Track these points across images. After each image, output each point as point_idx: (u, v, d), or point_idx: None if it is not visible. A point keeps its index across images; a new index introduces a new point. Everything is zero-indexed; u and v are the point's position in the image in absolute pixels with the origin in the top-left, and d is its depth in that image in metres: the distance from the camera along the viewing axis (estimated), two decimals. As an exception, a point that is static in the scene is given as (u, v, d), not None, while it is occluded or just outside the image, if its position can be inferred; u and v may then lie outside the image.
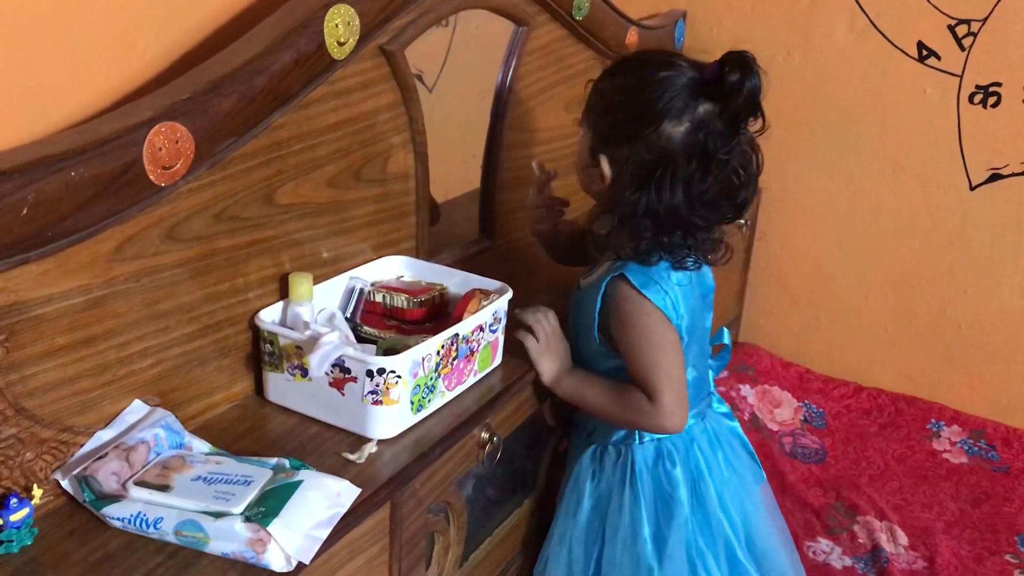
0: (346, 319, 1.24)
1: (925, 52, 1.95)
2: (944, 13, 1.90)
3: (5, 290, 0.85)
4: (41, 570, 0.86)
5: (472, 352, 1.19)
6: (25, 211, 0.82)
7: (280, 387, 1.14)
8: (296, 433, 1.10)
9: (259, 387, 1.17)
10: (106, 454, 0.95)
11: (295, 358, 1.10)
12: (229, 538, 0.88)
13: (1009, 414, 2.05)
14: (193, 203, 1.02)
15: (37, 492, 0.91)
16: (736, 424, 1.39)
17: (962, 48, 1.91)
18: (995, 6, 1.85)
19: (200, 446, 1.03)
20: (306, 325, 1.13)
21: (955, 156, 1.98)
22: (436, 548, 1.19)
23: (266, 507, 0.89)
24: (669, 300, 1.18)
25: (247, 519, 0.88)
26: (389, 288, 1.29)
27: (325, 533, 0.92)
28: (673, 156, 1.13)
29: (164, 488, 0.91)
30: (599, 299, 1.22)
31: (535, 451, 1.41)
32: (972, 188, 1.98)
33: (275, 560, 0.87)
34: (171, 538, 0.89)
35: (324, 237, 1.24)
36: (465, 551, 1.25)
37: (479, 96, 1.57)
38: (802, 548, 1.68)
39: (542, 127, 1.68)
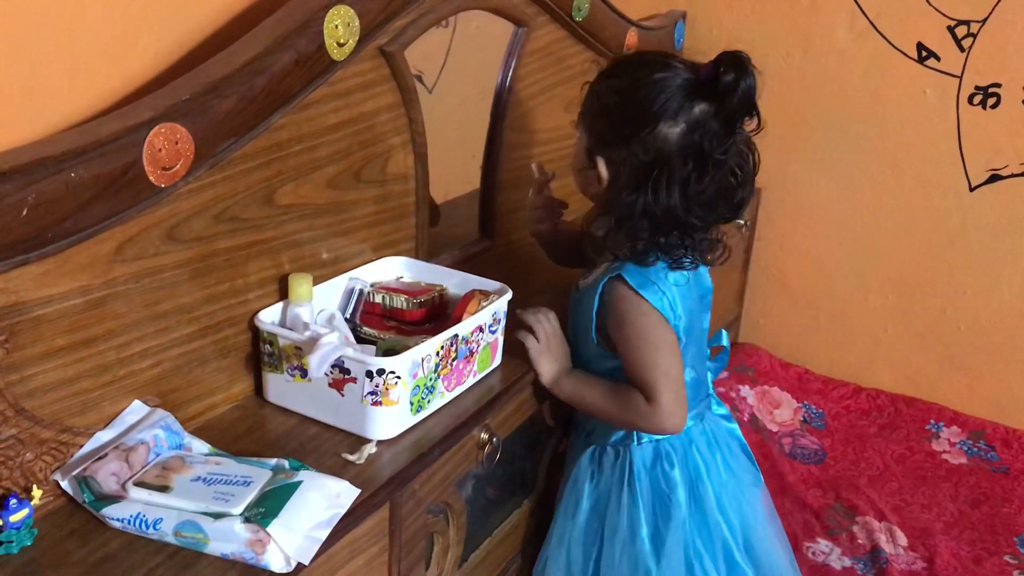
0: (346, 320, 1.24)
1: (925, 53, 1.95)
2: (944, 14, 1.90)
3: (5, 291, 0.86)
4: (41, 570, 0.86)
5: (471, 353, 1.19)
6: (25, 212, 0.82)
7: (280, 388, 1.14)
8: (296, 434, 1.10)
9: (259, 388, 1.17)
10: (106, 455, 0.95)
11: (295, 359, 1.10)
12: (228, 539, 0.88)
13: (1008, 415, 2.05)
14: (193, 204, 1.02)
15: (37, 493, 0.91)
16: (735, 426, 1.39)
17: (961, 49, 1.91)
18: (994, 7, 1.85)
19: (200, 447, 1.03)
20: (306, 326, 1.13)
21: (955, 157, 1.98)
22: (435, 549, 1.19)
23: (265, 508, 0.90)
24: (666, 300, 1.18)
25: (246, 520, 0.88)
26: (389, 289, 1.29)
27: (324, 534, 0.92)
28: (669, 157, 1.13)
29: (164, 489, 0.91)
30: (597, 300, 1.22)
31: (534, 452, 1.41)
32: (972, 189, 1.98)
33: (274, 561, 0.87)
34: (170, 539, 0.89)
35: (324, 238, 1.24)
36: (464, 552, 1.25)
37: (479, 97, 1.57)
38: (801, 549, 1.68)
39: (542, 128, 1.68)
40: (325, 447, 1.07)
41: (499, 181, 1.59)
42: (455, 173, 1.64)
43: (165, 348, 1.04)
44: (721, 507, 1.29)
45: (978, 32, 1.88)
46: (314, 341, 1.06)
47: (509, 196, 1.62)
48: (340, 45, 1.13)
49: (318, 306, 1.20)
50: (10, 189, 0.81)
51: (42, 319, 0.90)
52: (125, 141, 0.90)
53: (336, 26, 1.11)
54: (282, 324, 1.15)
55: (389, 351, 1.10)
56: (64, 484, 0.94)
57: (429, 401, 1.13)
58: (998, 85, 1.90)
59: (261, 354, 1.14)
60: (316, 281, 1.19)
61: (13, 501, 0.87)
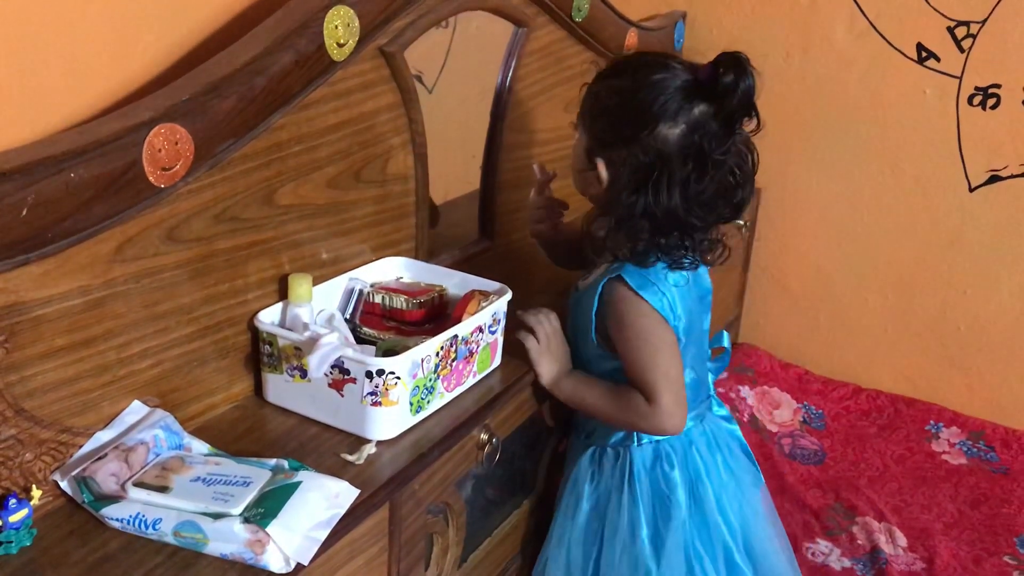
0: (345, 320, 1.24)
1: (924, 53, 1.95)
2: (943, 15, 1.90)
3: (5, 291, 0.86)
4: (40, 571, 0.86)
5: (471, 353, 1.19)
6: (25, 212, 0.82)
7: (279, 388, 1.14)
8: (295, 434, 1.10)
9: (258, 388, 1.17)
10: (105, 455, 0.95)
11: (294, 359, 1.10)
12: (228, 539, 0.88)
13: (1008, 415, 2.05)
14: (193, 204, 1.02)
15: (36, 493, 0.91)
16: (735, 427, 1.39)
17: (961, 50, 1.91)
18: (994, 8, 1.85)
19: (199, 447, 1.03)
20: (305, 326, 1.13)
21: (954, 157, 1.98)
22: (435, 549, 1.19)
23: (265, 508, 0.90)
24: (666, 301, 1.18)
25: (246, 520, 0.88)
26: (388, 289, 1.29)
27: (324, 534, 0.92)
28: (669, 158, 1.13)
29: (163, 489, 0.91)
30: (596, 300, 1.22)
31: (534, 452, 1.41)
32: (971, 189, 1.98)
33: (274, 561, 0.87)
34: (170, 539, 0.89)
35: (324, 238, 1.24)
36: (464, 552, 1.25)
37: (479, 97, 1.57)
38: (801, 549, 1.68)
39: (542, 128, 1.68)
40: (325, 447, 1.07)
41: (499, 181, 1.59)
42: (455, 173, 1.64)
43: (165, 348, 1.04)
44: (721, 508, 1.29)
45: (978, 33, 1.88)
46: (314, 341, 1.06)
47: (509, 196, 1.62)
48: (340, 45, 1.13)
49: (318, 306, 1.20)
50: (10, 189, 0.81)
51: (42, 319, 0.90)
52: (125, 141, 0.90)
53: (336, 26, 1.11)
54: (282, 324, 1.15)
55: (389, 351, 1.10)
56: (63, 484, 0.94)
57: (429, 401, 1.13)
58: (998, 86, 1.90)
59: (261, 354, 1.14)
60: (316, 281, 1.19)
61: (12, 501, 0.87)
